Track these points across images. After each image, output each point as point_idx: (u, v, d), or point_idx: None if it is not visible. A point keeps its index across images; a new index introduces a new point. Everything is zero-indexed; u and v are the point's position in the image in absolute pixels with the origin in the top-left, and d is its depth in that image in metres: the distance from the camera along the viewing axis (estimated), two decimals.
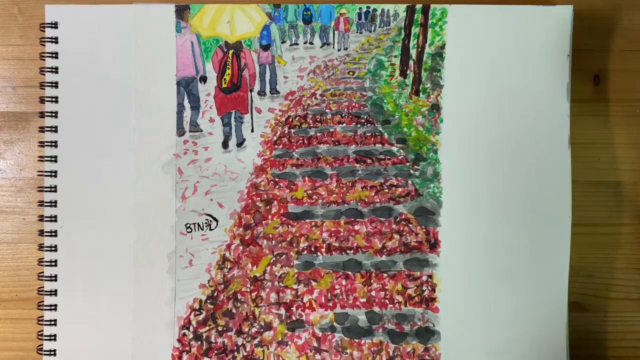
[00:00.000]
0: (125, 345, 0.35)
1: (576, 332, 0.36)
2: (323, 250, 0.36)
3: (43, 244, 0.35)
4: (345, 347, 0.35)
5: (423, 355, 0.35)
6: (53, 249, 0.35)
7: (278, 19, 0.36)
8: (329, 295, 0.35)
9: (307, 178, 0.36)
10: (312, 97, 0.36)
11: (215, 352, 0.35)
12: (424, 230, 0.36)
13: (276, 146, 0.36)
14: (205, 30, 0.36)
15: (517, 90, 0.35)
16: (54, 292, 0.35)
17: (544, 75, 0.35)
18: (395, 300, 0.35)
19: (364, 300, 0.35)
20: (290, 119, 0.36)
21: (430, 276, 0.35)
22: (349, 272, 0.36)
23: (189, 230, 0.35)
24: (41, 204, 0.35)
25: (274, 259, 0.35)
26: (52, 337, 0.34)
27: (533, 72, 0.35)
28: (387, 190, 0.36)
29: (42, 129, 0.35)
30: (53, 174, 0.35)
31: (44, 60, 0.35)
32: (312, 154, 0.36)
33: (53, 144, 0.35)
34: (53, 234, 0.35)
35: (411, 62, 0.36)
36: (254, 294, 0.35)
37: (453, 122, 0.36)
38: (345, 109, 0.36)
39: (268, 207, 0.35)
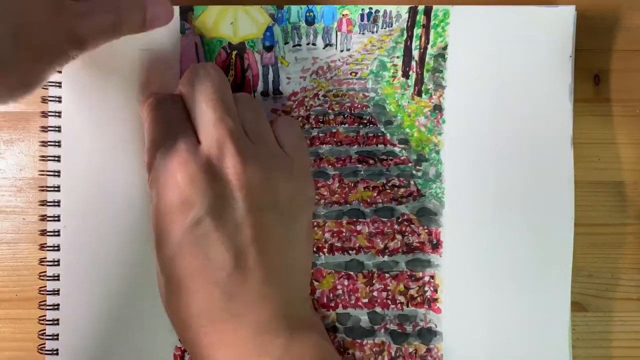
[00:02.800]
0: (128, 345, 0.35)
1: (576, 332, 0.36)
2: (325, 250, 0.36)
3: (44, 243, 0.35)
4: (348, 348, 0.35)
5: (425, 356, 0.35)
6: (56, 248, 0.35)
7: (281, 20, 0.36)
8: (331, 295, 0.35)
9: None
10: (314, 98, 0.36)
11: None
12: (426, 230, 0.36)
13: None
14: (208, 32, 0.35)
15: (520, 91, 0.35)
16: (56, 292, 0.35)
17: (546, 76, 0.35)
18: (398, 301, 0.35)
19: (366, 300, 0.35)
20: None
21: (432, 277, 0.35)
22: (351, 273, 0.36)
23: None
24: (42, 203, 0.35)
25: None
26: (55, 337, 0.34)
27: (536, 73, 0.35)
28: (389, 191, 0.36)
29: (44, 129, 0.35)
30: (57, 173, 0.35)
31: None
32: (314, 155, 0.36)
33: (57, 143, 0.35)
34: (56, 233, 0.35)
35: (413, 63, 0.36)
36: None
37: (455, 123, 0.36)
38: (348, 110, 0.36)
39: None
